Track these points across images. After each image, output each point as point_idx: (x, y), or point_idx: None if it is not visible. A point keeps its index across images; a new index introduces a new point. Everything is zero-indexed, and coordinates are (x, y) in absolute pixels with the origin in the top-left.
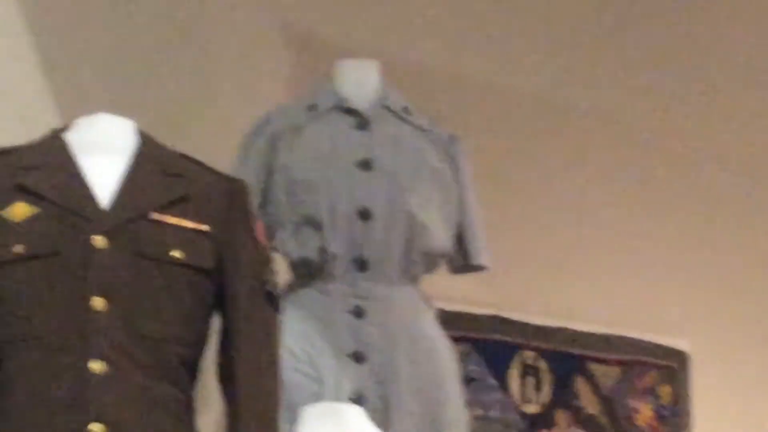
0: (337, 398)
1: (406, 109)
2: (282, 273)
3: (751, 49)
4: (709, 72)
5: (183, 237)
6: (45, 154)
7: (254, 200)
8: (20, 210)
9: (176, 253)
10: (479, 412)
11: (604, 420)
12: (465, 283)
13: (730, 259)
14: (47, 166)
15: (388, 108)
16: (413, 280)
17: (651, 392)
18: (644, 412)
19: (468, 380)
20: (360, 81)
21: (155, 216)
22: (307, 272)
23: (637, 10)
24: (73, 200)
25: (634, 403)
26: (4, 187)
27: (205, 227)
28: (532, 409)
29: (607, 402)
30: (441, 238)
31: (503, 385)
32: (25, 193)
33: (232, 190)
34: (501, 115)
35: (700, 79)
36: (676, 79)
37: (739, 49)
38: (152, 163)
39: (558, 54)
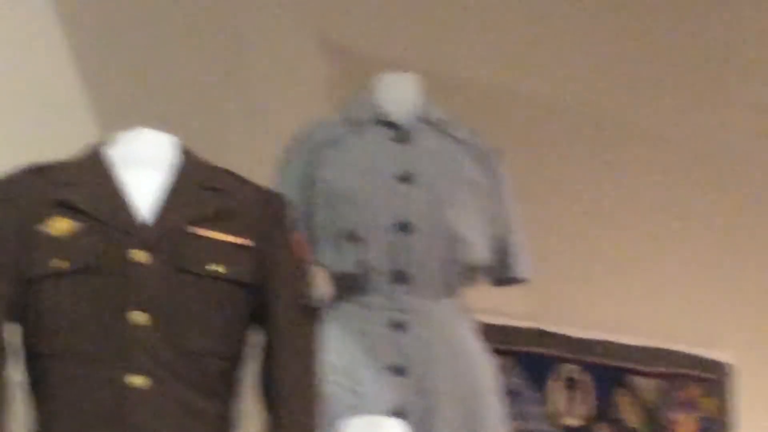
0: (378, 412)
1: (445, 122)
2: (322, 286)
3: None
4: (744, 77)
5: (223, 251)
6: (85, 169)
7: (294, 214)
8: (61, 225)
9: (216, 267)
10: (521, 425)
11: None
12: (506, 295)
13: None
14: (88, 181)
15: (427, 121)
16: (453, 293)
17: (692, 404)
18: (686, 424)
19: (509, 393)
20: (399, 94)
21: (195, 230)
22: (347, 285)
23: (669, 24)
24: (114, 215)
25: (675, 415)
26: (45, 202)
27: (245, 241)
28: (573, 421)
29: (648, 414)
30: (481, 251)
31: (544, 398)
32: (66, 208)
33: (271, 204)
34: (542, 128)
35: (736, 86)
36: (717, 88)
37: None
38: (192, 178)
39: (595, 67)
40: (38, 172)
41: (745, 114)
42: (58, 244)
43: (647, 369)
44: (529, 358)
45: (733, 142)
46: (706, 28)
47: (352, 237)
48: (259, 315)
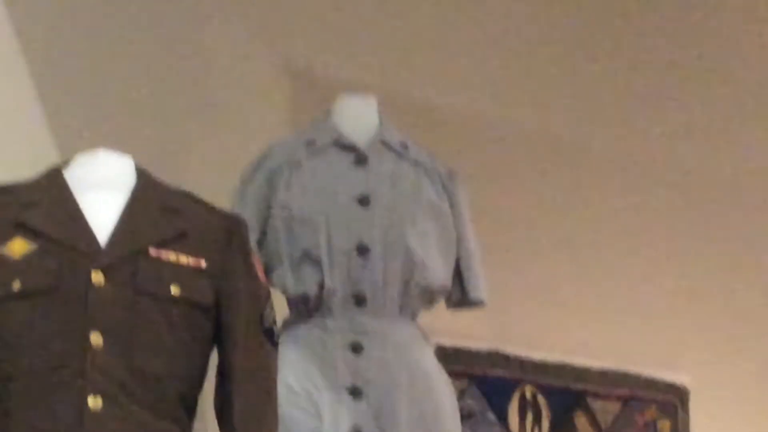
0: None
1: (404, 145)
2: (280, 309)
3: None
4: (716, 102)
5: (181, 273)
6: (44, 190)
7: (252, 236)
8: (19, 246)
9: (174, 290)
10: None
11: None
12: (464, 318)
13: (729, 294)
14: (46, 202)
15: (386, 144)
16: (411, 315)
17: (651, 427)
18: None
19: (467, 415)
20: (358, 117)
21: (153, 252)
22: (305, 308)
23: (640, 48)
24: (72, 236)
25: None
26: (4, 224)
27: (203, 263)
28: None
29: None
30: (439, 273)
31: (502, 421)
32: (24, 229)
33: (230, 226)
34: (500, 151)
35: (704, 110)
36: (682, 112)
37: (743, 76)
38: (150, 200)
39: (557, 92)
40: None
41: (705, 135)
42: (17, 266)
43: (605, 391)
44: (487, 381)
45: (689, 163)
46: (658, 55)
47: (311, 259)
48: (218, 337)
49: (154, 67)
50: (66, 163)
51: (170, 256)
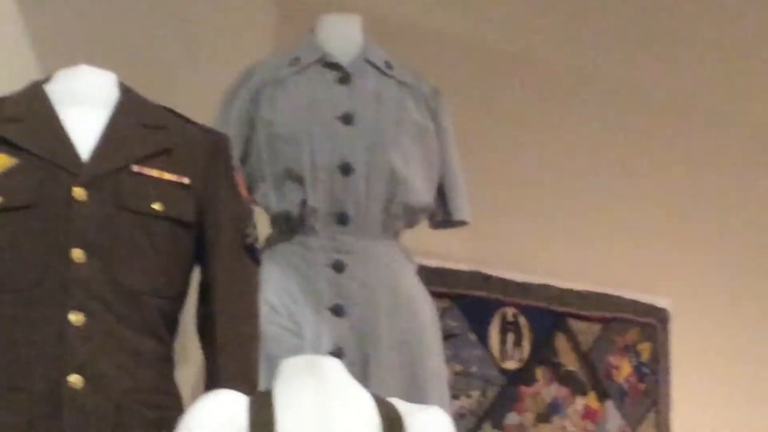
0: (317, 352)
1: (388, 64)
2: (263, 227)
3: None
4: (694, 24)
5: (164, 190)
6: (25, 105)
7: (236, 153)
8: (1, 161)
9: (157, 206)
10: (459, 367)
11: (583, 376)
12: (447, 238)
13: (711, 218)
14: (28, 117)
15: (370, 62)
16: (394, 234)
17: (631, 349)
18: (624, 368)
19: (448, 336)
20: (342, 35)
21: (136, 168)
22: (288, 226)
23: None
24: (54, 152)
25: (613, 359)
26: None
27: (185, 180)
28: (512, 365)
29: (586, 359)
30: (422, 192)
31: (483, 341)
32: (6, 144)
33: (213, 143)
34: (486, 72)
35: (686, 33)
36: (665, 35)
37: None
38: (133, 116)
39: (544, 12)
40: None
41: (698, 64)
42: None
43: (586, 313)
44: (469, 302)
45: (676, 89)
46: None
47: (294, 177)
48: (200, 254)
49: None
50: (47, 78)
51: (153, 172)
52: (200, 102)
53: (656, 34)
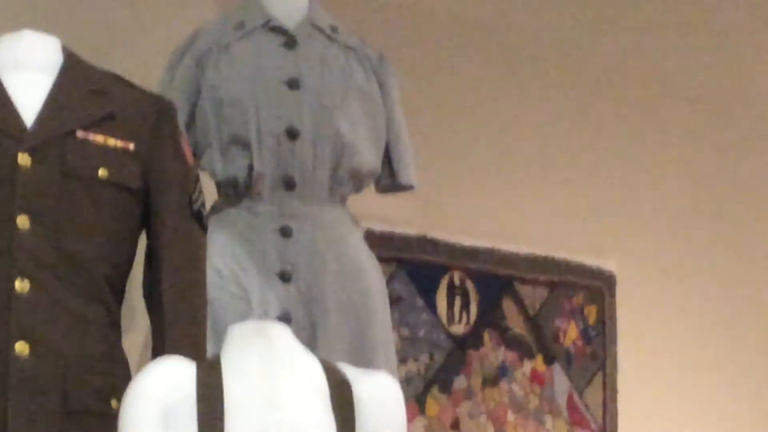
0: (264, 317)
1: (334, 29)
2: (209, 192)
3: None
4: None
5: (109, 155)
6: None
7: (181, 119)
8: None
9: (102, 172)
10: (406, 332)
11: (530, 340)
12: (393, 203)
13: (657, 181)
14: None
15: (315, 26)
16: (341, 199)
17: (578, 312)
18: (570, 332)
19: (395, 300)
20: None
21: (81, 134)
22: (234, 192)
23: None
24: None
25: (560, 323)
26: None
27: (131, 146)
28: (459, 329)
29: (533, 322)
30: (369, 157)
31: (430, 306)
32: None
33: (158, 108)
34: (430, 36)
35: (643, 4)
36: (619, 4)
37: None
38: (78, 81)
39: None
40: None
41: (636, 27)
42: None
43: (533, 277)
44: (416, 266)
45: (629, 60)
46: None
47: (240, 143)
48: (146, 220)
49: None
50: None
51: (98, 138)
52: (144, 67)
53: (618, 3)
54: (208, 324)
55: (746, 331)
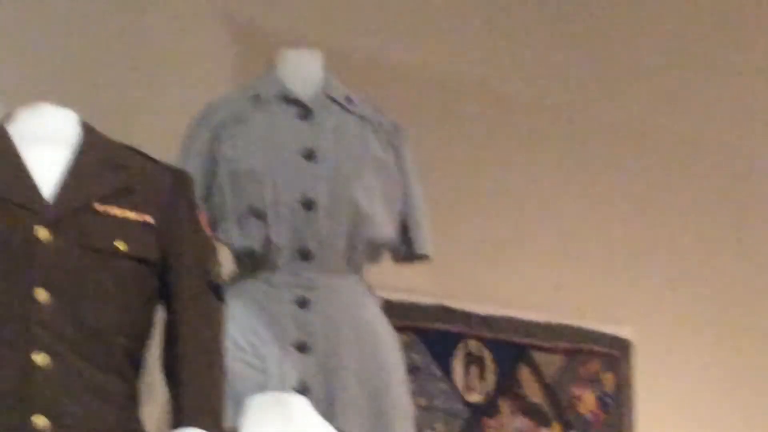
0: (282, 389)
1: (348, 99)
2: (226, 264)
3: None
4: (646, 58)
5: (127, 228)
6: None
7: (198, 191)
8: None
9: (120, 245)
10: (423, 401)
11: (547, 408)
12: (409, 272)
13: (672, 248)
14: None
15: (331, 97)
16: (357, 269)
17: (594, 380)
18: (587, 399)
19: (412, 370)
20: (303, 71)
21: (99, 207)
22: (251, 263)
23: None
24: (16, 191)
25: (577, 390)
26: None
27: (149, 218)
28: (475, 398)
29: (550, 390)
30: (385, 227)
31: (447, 375)
32: None
33: (175, 180)
34: (445, 105)
35: (640, 66)
36: (619, 69)
37: (673, 35)
38: (95, 154)
39: (503, 45)
40: None
41: (645, 90)
42: None
43: (549, 345)
44: (433, 335)
45: (641, 123)
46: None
47: (256, 214)
48: (164, 292)
49: (97, 22)
50: (8, 117)
51: (116, 211)
52: (161, 139)
53: (616, 66)
54: (226, 395)
55: (766, 398)
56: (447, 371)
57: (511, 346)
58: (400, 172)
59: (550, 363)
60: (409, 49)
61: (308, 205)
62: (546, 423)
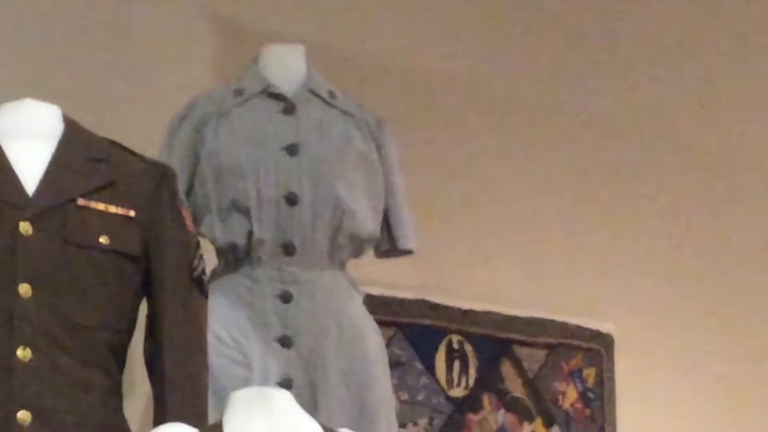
0: (265, 383)
1: (331, 94)
2: (209, 259)
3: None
4: (633, 54)
5: (109, 223)
6: None
7: (181, 186)
8: None
9: (103, 240)
10: (406, 396)
11: (530, 403)
12: (392, 267)
13: (654, 243)
14: None
15: (313, 92)
16: (340, 264)
17: (577, 375)
18: (569, 394)
19: (395, 364)
20: (286, 65)
21: (81, 202)
22: (234, 258)
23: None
24: None
25: (559, 385)
26: None
27: (131, 213)
28: (458, 392)
29: (532, 385)
30: (368, 222)
31: (430, 370)
32: None
33: (158, 175)
34: (429, 100)
35: (624, 62)
36: (609, 64)
37: (658, 29)
38: (78, 149)
39: (487, 39)
40: None
41: (626, 86)
42: None
43: (531, 339)
44: (415, 330)
45: (627, 119)
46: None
47: (240, 209)
48: (147, 287)
49: (80, 17)
50: None
51: (99, 205)
52: (144, 134)
53: (603, 61)
54: (210, 390)
55: (748, 392)
56: (430, 366)
57: (493, 341)
58: (383, 166)
59: (533, 358)
60: (393, 44)
61: (291, 199)
62: (529, 417)
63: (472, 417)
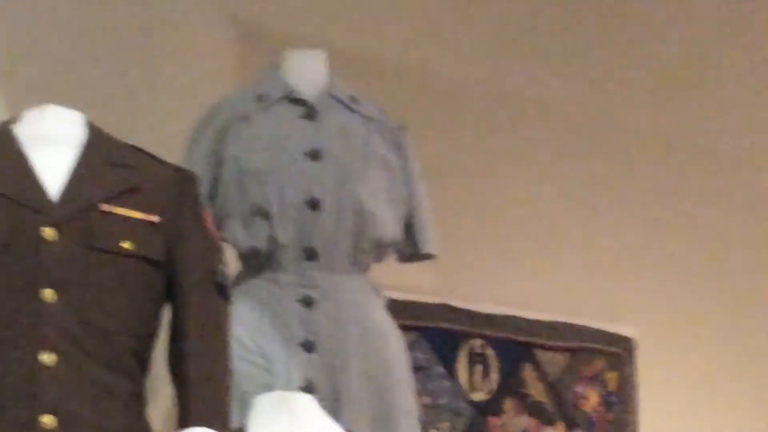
0: (288, 388)
1: (353, 99)
2: (231, 263)
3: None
4: (653, 61)
5: (133, 228)
6: None
7: (203, 191)
8: None
9: (126, 245)
10: (428, 400)
11: (551, 407)
12: (413, 272)
13: (676, 247)
14: None
15: (335, 97)
16: (362, 269)
17: (598, 379)
18: (591, 398)
19: (416, 368)
20: (307, 71)
21: (105, 207)
22: (257, 262)
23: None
24: (23, 192)
25: (581, 389)
26: None
27: (154, 218)
28: (480, 396)
29: (553, 389)
30: (390, 227)
31: (451, 373)
32: None
33: (181, 180)
34: (449, 105)
35: (647, 68)
36: (625, 69)
37: (678, 40)
38: (101, 155)
39: (507, 44)
40: None
41: (644, 91)
42: None
43: (553, 343)
44: (436, 334)
45: (635, 118)
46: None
47: (262, 213)
48: (170, 292)
49: (101, 23)
50: (14, 119)
51: (122, 210)
52: (166, 139)
53: (618, 65)
54: (232, 395)
55: None
56: (451, 370)
57: (515, 345)
58: (405, 171)
59: (554, 362)
60: (413, 50)
61: (313, 204)
62: (550, 422)
63: (494, 421)
